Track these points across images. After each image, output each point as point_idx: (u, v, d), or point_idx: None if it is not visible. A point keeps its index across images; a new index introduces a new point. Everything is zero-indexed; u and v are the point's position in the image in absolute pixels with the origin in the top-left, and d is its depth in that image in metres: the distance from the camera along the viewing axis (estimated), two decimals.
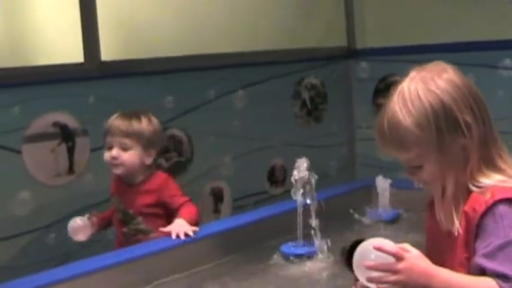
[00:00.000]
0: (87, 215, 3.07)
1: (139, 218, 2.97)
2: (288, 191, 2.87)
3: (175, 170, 3.86)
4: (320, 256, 2.76)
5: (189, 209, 2.90)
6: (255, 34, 4.46)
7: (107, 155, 2.94)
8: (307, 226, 2.80)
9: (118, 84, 3.65)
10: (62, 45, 3.99)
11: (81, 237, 3.05)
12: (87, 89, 3.54)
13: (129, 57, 3.79)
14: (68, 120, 3.47)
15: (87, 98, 3.54)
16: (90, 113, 3.53)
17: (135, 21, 4.00)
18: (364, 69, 4.92)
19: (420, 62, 1.83)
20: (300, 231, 2.82)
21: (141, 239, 2.93)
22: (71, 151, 3.48)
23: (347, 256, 1.81)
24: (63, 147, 3.46)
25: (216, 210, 4.17)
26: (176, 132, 3.92)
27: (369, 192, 3.47)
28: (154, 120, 3.01)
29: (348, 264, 1.81)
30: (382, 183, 3.35)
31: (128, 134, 2.90)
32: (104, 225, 3.15)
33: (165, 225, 2.83)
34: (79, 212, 3.45)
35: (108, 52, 3.65)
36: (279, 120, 4.48)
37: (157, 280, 2.58)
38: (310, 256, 2.76)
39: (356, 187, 3.70)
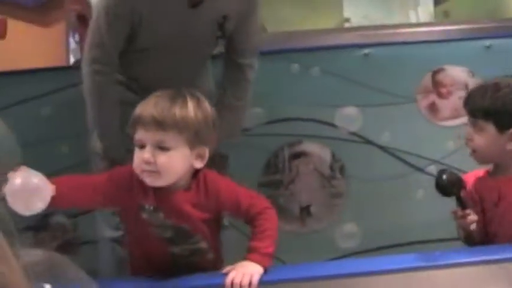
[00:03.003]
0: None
1: (199, 236, 2.06)
2: None
3: None
4: None
5: (267, 224, 2.02)
6: None
7: (137, 158, 1.96)
8: None
9: None
10: None
11: (40, 204, 1.89)
12: None
13: None
14: None
15: None
16: None
17: None
18: None
19: None
20: None
21: (195, 261, 2.07)
22: None
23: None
24: None
25: None
26: None
27: None
28: (206, 105, 2.02)
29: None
30: None
31: (165, 127, 1.92)
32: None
33: (215, 235, 2.12)
34: None
35: None
36: None
37: None
38: None
39: None
